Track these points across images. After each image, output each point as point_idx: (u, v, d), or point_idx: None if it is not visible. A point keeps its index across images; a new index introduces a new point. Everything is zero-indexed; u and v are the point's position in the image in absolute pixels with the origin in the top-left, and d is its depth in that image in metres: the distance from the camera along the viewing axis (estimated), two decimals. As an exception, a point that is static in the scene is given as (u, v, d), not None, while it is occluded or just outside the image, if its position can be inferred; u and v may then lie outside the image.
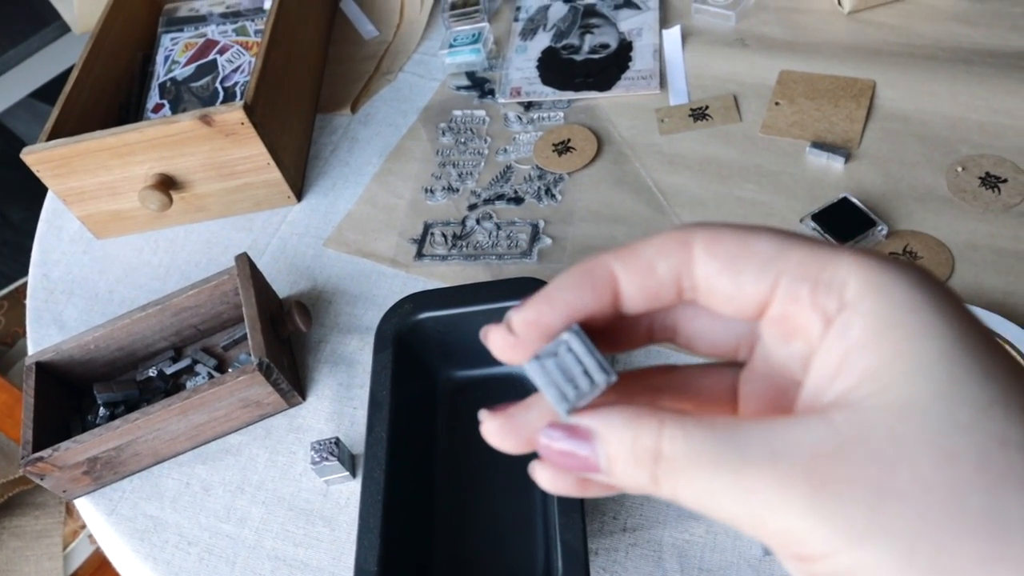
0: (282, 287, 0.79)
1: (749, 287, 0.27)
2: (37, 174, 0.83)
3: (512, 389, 0.66)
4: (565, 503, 0.54)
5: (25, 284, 1.49)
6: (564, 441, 0.27)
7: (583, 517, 0.53)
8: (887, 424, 0.23)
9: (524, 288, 0.64)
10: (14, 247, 2.24)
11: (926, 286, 0.25)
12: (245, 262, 0.73)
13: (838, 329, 0.25)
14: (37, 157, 0.81)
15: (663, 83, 0.86)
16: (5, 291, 1.46)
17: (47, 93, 1.78)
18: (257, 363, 0.66)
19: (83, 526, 1.18)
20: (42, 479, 0.69)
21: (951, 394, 0.23)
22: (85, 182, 0.83)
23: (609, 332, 0.30)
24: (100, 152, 0.80)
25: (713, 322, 0.30)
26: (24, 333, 1.40)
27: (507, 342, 0.28)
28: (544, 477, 0.29)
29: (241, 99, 0.89)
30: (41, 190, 0.88)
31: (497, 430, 0.30)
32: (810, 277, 0.26)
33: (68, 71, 1.60)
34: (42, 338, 0.83)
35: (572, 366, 0.27)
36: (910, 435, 0.23)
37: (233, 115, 0.77)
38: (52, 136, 0.83)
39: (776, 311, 0.27)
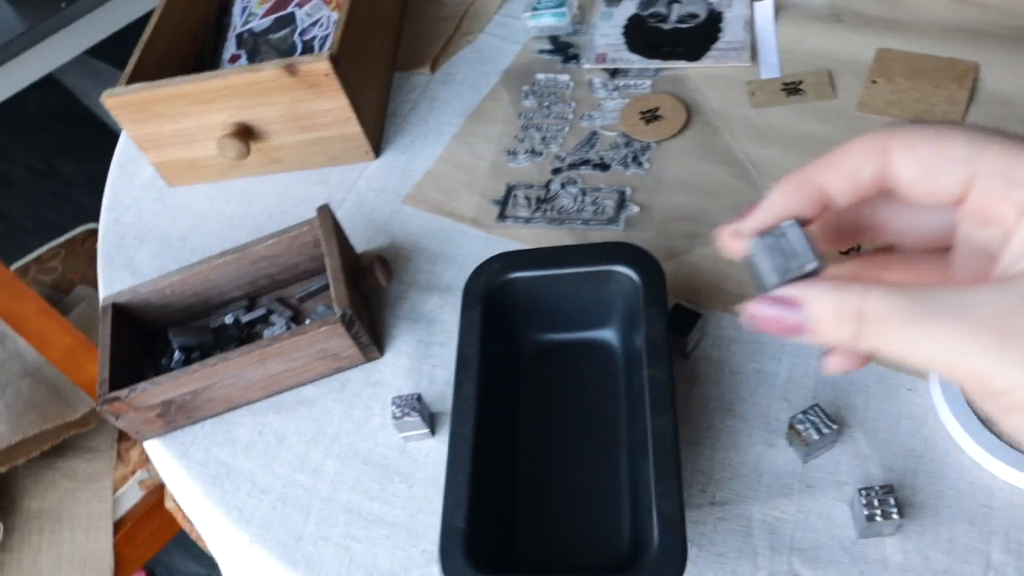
0: (359, 242, 0.78)
1: (948, 186, 0.31)
2: (116, 118, 0.82)
3: (599, 353, 0.65)
4: (662, 470, 0.53)
5: (80, 234, 1.50)
6: (773, 309, 0.33)
7: (680, 485, 0.52)
8: None
9: (617, 253, 0.62)
10: (64, 199, 2.26)
11: None
12: (328, 214, 0.72)
13: None
14: (117, 100, 0.81)
15: (754, 56, 0.84)
16: (61, 240, 1.46)
17: (101, 50, 1.78)
18: (340, 315, 0.65)
19: (133, 471, 1.19)
20: (117, 419, 0.68)
21: None
22: (163, 128, 0.83)
23: (823, 227, 0.36)
24: (180, 98, 0.80)
25: (916, 216, 0.35)
26: (80, 280, 1.41)
27: (734, 240, 0.35)
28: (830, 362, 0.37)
29: (321, 51, 0.88)
30: (92, 145, 0.89)
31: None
32: (1003, 175, 0.30)
33: (129, 28, 1.60)
34: (114, 281, 0.83)
35: (787, 248, 0.33)
36: None
37: (318, 65, 0.76)
38: (131, 81, 0.82)
39: (974, 203, 0.31)
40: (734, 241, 0.35)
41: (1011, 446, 0.57)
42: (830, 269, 0.34)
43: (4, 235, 2.12)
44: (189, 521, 1.22)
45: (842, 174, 0.33)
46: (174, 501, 1.21)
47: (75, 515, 1.15)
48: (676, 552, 0.50)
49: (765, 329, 0.33)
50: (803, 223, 0.34)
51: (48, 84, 2.55)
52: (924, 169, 0.31)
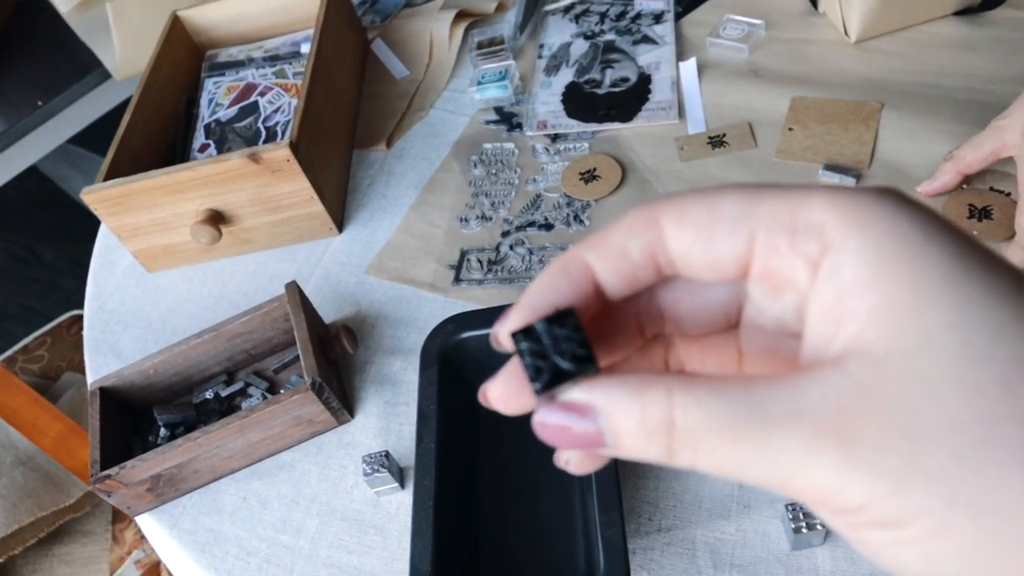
0: (327, 313, 0.84)
1: (726, 250, 0.26)
2: (95, 212, 0.88)
3: (549, 402, 0.70)
4: (604, 502, 0.58)
5: (65, 320, 1.55)
6: (560, 417, 0.26)
7: (622, 515, 0.57)
8: (905, 366, 0.22)
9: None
10: (46, 284, 2.31)
11: (908, 211, 0.24)
12: (295, 289, 0.78)
13: (826, 273, 0.24)
14: (96, 196, 0.87)
15: (681, 113, 0.91)
16: (47, 328, 1.51)
17: (79, 137, 1.85)
18: (310, 383, 0.71)
19: (129, 552, 1.23)
20: (109, 496, 0.73)
21: (963, 322, 0.22)
22: (139, 218, 0.89)
23: (598, 328, 0.30)
24: (154, 190, 0.86)
25: (696, 298, 0.29)
26: (67, 367, 1.45)
27: (505, 339, 0.28)
28: (560, 458, 0.29)
29: (283, 138, 0.94)
30: (72, 230, 0.94)
31: (501, 396, 0.30)
32: (785, 226, 0.25)
33: (104, 117, 1.67)
34: (100, 366, 0.88)
35: (553, 346, 0.26)
36: (931, 373, 0.22)
37: (279, 153, 0.82)
38: (107, 177, 0.88)
39: (759, 268, 0.26)
40: (506, 339, 0.28)
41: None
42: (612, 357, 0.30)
43: (-10, 325, 2.17)
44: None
45: (610, 253, 0.27)
46: None
47: (75, 597, 1.18)
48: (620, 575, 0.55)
49: (555, 443, 0.27)
50: (566, 313, 0.27)
51: (27, 172, 2.62)
52: (697, 234, 0.26)
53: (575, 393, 0.27)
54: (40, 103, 1.45)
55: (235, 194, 0.86)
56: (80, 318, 1.52)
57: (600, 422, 0.26)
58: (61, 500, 1.15)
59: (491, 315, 0.70)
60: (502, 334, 0.29)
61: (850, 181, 0.80)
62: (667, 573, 0.62)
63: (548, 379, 0.26)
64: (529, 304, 0.28)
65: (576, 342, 0.26)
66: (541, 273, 0.29)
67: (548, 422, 0.27)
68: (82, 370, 1.41)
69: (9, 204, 2.53)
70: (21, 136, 1.57)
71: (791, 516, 0.59)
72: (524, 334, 0.27)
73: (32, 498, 1.14)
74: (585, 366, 0.26)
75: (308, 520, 0.71)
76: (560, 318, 0.26)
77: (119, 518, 1.23)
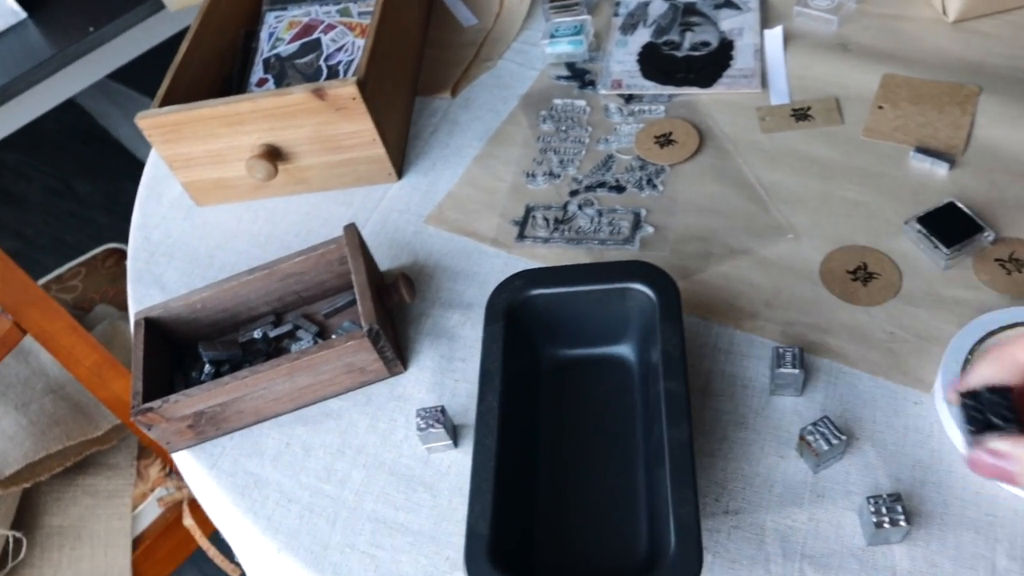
0: (382, 261, 0.81)
1: None
2: (148, 138, 0.85)
3: (615, 367, 0.67)
4: (678, 478, 0.55)
5: (101, 253, 1.53)
6: (987, 457, 0.42)
7: (696, 493, 0.54)
8: None
9: (634, 271, 0.65)
10: (80, 218, 2.30)
11: None
12: (354, 232, 0.74)
13: None
14: (151, 122, 0.84)
15: (764, 82, 0.87)
16: (82, 259, 1.49)
17: (123, 74, 1.82)
18: (367, 329, 0.68)
19: (152, 489, 1.21)
20: (149, 429, 0.71)
21: None
22: (193, 149, 0.86)
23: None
24: (212, 120, 0.83)
25: None
26: (100, 299, 1.43)
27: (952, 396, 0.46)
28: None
29: (346, 76, 0.91)
30: (108, 166, 0.91)
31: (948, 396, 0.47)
32: None
33: (149, 53, 1.64)
34: (143, 297, 0.86)
35: (986, 408, 0.42)
36: None
37: (346, 90, 0.79)
38: (162, 104, 0.85)
39: None
40: (955, 397, 0.46)
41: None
42: None
43: (21, 254, 2.15)
44: (207, 539, 1.24)
45: None
46: (192, 519, 1.23)
47: (95, 532, 1.16)
48: (692, 557, 0.52)
49: (981, 472, 0.42)
50: (1005, 389, 0.43)
51: (66, 105, 2.60)
52: None
53: (998, 443, 0.41)
54: (92, 29, 1.41)
55: (295, 130, 0.83)
56: (116, 251, 1.50)
57: (1014, 465, 0.39)
58: (89, 431, 1.13)
59: (561, 273, 0.67)
60: (953, 392, 0.46)
61: (943, 166, 0.76)
62: (733, 557, 0.59)
63: (981, 428, 0.42)
64: (978, 379, 0.44)
65: (1005, 407, 0.41)
66: (982, 357, 0.45)
67: (977, 459, 0.42)
68: (116, 303, 1.39)
69: (47, 136, 2.51)
70: (68, 63, 1.54)
71: (873, 509, 0.56)
72: (971, 395, 0.44)
73: (60, 426, 1.12)
74: (1009, 424, 0.41)
75: (354, 471, 0.68)
76: (998, 390, 0.43)
77: (144, 454, 1.22)
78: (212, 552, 1.25)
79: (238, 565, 1.25)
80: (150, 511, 1.21)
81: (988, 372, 0.44)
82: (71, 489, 1.17)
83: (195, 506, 1.22)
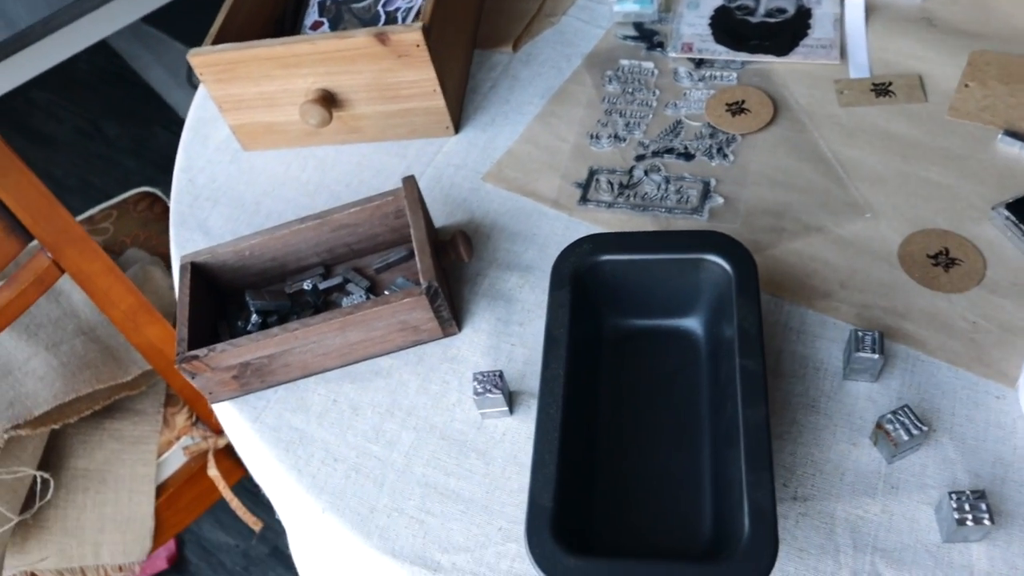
0: (437, 217, 0.78)
1: None
2: (200, 77, 0.82)
3: (681, 341, 0.64)
4: (754, 461, 0.52)
5: (133, 196, 1.51)
6: None
7: (772, 477, 0.51)
8: None
9: (709, 241, 0.62)
10: (108, 161, 2.27)
11: None
12: (413, 184, 0.71)
13: None
14: (203, 60, 0.81)
15: (843, 54, 0.83)
16: (114, 201, 1.47)
17: (156, 18, 1.79)
18: (425, 287, 0.65)
19: (178, 437, 1.20)
20: (193, 377, 0.69)
21: None
22: (246, 90, 0.83)
23: None
24: (267, 60, 0.80)
25: None
26: (131, 243, 1.41)
27: None
28: None
29: (405, 23, 0.87)
30: (138, 111, 0.88)
31: None
32: None
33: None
34: (186, 241, 0.83)
35: None
36: None
37: (410, 36, 0.75)
38: (215, 42, 0.82)
39: None
40: None
41: (1107, 461, 0.56)
42: None
43: (48, 195, 2.13)
44: (230, 490, 1.23)
45: None
46: (217, 469, 1.21)
47: (120, 477, 1.15)
48: (768, 544, 0.49)
49: None
50: None
51: (97, 46, 2.56)
52: None
53: None
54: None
55: (353, 76, 0.80)
56: (148, 195, 1.47)
57: None
58: (119, 375, 1.11)
59: (632, 240, 0.64)
60: None
61: (1033, 150, 0.72)
62: (801, 546, 0.56)
63: None
64: None
65: None
66: None
67: None
68: (147, 247, 1.36)
69: (79, 77, 2.48)
70: (102, 3, 1.50)
71: (956, 505, 0.53)
72: None
73: (91, 369, 1.10)
74: None
75: (403, 433, 0.66)
76: None
77: (172, 402, 1.20)
78: (235, 504, 1.24)
79: (261, 518, 1.24)
80: (175, 459, 1.20)
81: None
82: (98, 433, 1.15)
83: (220, 456, 1.20)
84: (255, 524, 1.25)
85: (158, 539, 1.18)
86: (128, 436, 1.17)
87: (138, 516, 1.16)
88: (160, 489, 1.19)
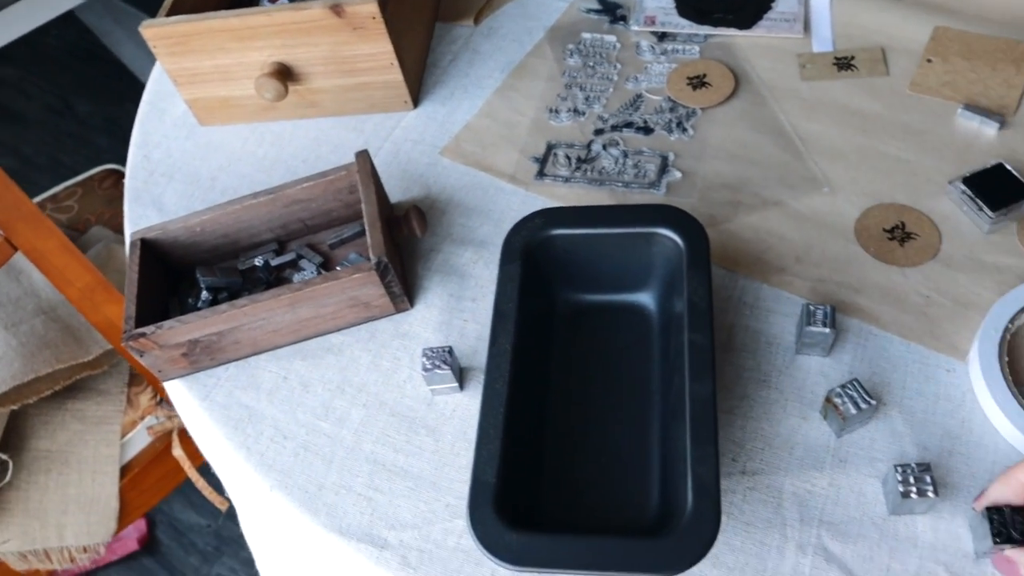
0: (394, 192, 0.77)
1: None
2: (153, 50, 0.81)
3: (633, 316, 0.64)
4: (699, 435, 0.52)
5: (98, 173, 1.49)
6: (1004, 562, 0.51)
7: (717, 451, 0.51)
8: None
9: (661, 215, 0.61)
10: (78, 139, 2.24)
11: None
12: (367, 159, 0.70)
13: None
14: (156, 32, 0.79)
15: (807, 28, 0.82)
16: (78, 179, 1.45)
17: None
18: (375, 262, 0.64)
19: (142, 417, 1.19)
20: (141, 355, 0.67)
21: None
22: (200, 63, 0.81)
23: None
24: (222, 33, 0.78)
25: None
26: (96, 221, 1.39)
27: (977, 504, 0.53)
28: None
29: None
30: (109, 87, 0.87)
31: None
32: None
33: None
34: (140, 218, 0.82)
35: (1011, 522, 0.50)
36: None
37: (366, 8, 0.74)
38: (171, 13, 0.80)
39: None
40: (981, 508, 0.52)
41: (1054, 434, 0.56)
42: None
43: (17, 172, 2.10)
44: (196, 470, 1.22)
45: None
46: (182, 449, 1.20)
47: (83, 458, 1.14)
48: (710, 518, 0.49)
49: (1000, 570, 0.52)
50: (1015, 508, 0.51)
51: (67, 21, 2.52)
52: None
53: (1013, 552, 0.50)
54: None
55: (309, 49, 0.78)
56: (114, 173, 1.45)
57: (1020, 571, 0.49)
58: (80, 355, 1.10)
59: (584, 214, 0.63)
60: (979, 505, 0.52)
61: (992, 125, 0.72)
62: (748, 519, 0.56)
63: (1002, 540, 0.50)
64: (996, 496, 0.52)
65: (1015, 525, 0.50)
66: (1000, 478, 0.52)
67: (997, 563, 0.52)
68: (112, 226, 1.35)
69: (48, 52, 2.44)
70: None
71: (900, 478, 0.53)
72: (995, 510, 0.51)
73: (50, 349, 1.09)
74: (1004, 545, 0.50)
75: (353, 410, 0.65)
76: (1019, 509, 0.51)
77: (135, 381, 1.19)
78: (201, 484, 1.23)
79: (227, 499, 1.23)
80: (139, 439, 1.19)
81: (998, 493, 0.51)
82: (60, 413, 1.14)
83: (185, 436, 1.19)
84: (221, 504, 1.24)
85: (124, 520, 1.17)
86: (91, 416, 1.16)
87: (102, 497, 1.15)
88: (124, 470, 1.18)
